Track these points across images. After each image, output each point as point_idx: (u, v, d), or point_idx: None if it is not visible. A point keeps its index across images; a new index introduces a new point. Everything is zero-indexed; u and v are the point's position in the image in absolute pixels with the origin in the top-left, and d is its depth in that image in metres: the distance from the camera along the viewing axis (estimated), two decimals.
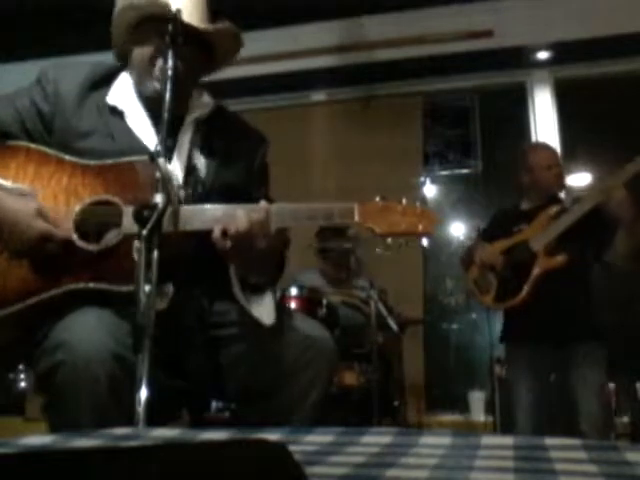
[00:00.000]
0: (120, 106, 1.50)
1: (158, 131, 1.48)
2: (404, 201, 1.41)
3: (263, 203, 1.36)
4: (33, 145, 1.45)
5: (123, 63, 1.59)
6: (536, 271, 2.51)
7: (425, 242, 1.37)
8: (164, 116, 1.28)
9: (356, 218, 1.37)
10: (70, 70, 1.53)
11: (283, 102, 4.58)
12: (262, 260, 1.36)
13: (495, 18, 3.88)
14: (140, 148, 1.43)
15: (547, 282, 2.50)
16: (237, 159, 1.59)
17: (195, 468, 0.47)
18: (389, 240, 1.40)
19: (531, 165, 2.72)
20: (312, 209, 1.37)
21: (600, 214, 2.44)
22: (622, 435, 3.09)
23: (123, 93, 1.53)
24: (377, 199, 1.40)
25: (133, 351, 1.13)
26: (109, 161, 1.41)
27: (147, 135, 1.48)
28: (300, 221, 1.37)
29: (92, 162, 1.42)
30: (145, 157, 1.36)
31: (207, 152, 1.54)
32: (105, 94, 1.51)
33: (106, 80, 1.54)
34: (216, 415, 2.80)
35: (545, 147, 2.95)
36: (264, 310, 1.41)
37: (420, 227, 1.38)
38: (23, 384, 3.97)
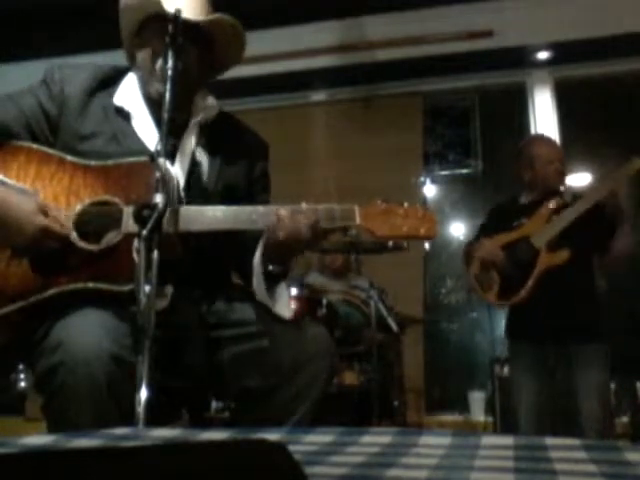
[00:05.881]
0: (127, 107, 1.50)
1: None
2: (406, 204, 1.39)
3: (305, 205, 1.36)
4: (35, 145, 1.45)
5: (132, 64, 1.59)
6: (539, 268, 2.49)
7: (427, 245, 1.36)
8: (164, 116, 1.28)
9: (357, 220, 1.37)
10: (76, 71, 1.53)
11: (283, 102, 4.58)
12: (296, 253, 1.43)
13: (495, 18, 3.88)
14: (143, 150, 1.43)
15: (550, 279, 2.48)
16: (239, 163, 1.59)
17: (195, 468, 0.47)
18: (390, 243, 1.39)
19: (532, 159, 2.69)
20: (313, 211, 1.37)
21: (602, 210, 2.44)
22: (622, 435, 3.09)
23: (130, 94, 1.52)
24: (378, 201, 1.38)
25: (133, 351, 1.13)
26: (110, 162, 1.41)
27: (151, 137, 1.48)
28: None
29: (93, 163, 1.42)
30: (146, 158, 1.37)
31: (210, 155, 1.54)
32: (111, 95, 1.51)
33: (112, 81, 1.54)
34: (216, 415, 2.80)
35: (547, 140, 2.91)
36: (282, 304, 1.43)
37: (422, 231, 1.37)
38: (23, 384, 3.97)
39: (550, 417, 2.57)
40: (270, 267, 1.42)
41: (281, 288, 1.46)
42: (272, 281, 1.44)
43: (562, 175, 2.68)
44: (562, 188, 2.71)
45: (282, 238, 1.33)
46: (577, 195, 2.59)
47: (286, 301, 1.45)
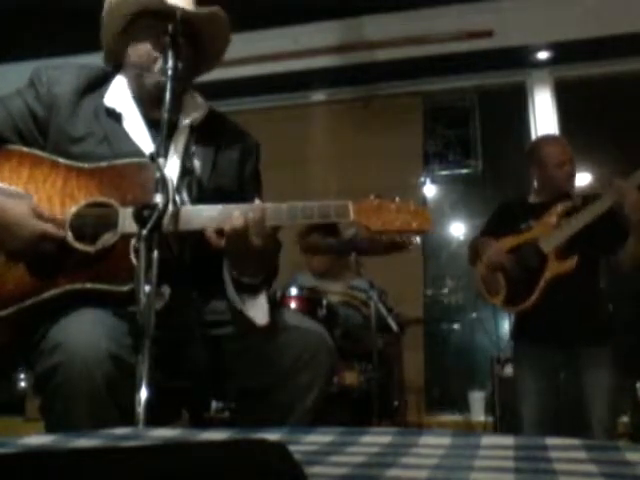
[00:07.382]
0: (118, 108, 1.49)
1: (153, 135, 1.48)
2: (397, 199, 1.41)
3: (258, 202, 1.36)
4: (26, 149, 1.44)
5: (112, 65, 1.58)
6: (547, 276, 2.48)
7: (418, 239, 1.37)
8: (163, 116, 1.28)
9: (351, 216, 1.37)
10: (64, 72, 1.52)
11: (283, 102, 4.58)
12: (257, 260, 1.36)
13: (495, 18, 3.88)
14: (136, 151, 1.43)
15: (557, 282, 2.47)
16: (230, 163, 1.59)
17: (195, 468, 0.47)
18: (384, 237, 1.39)
19: (543, 161, 2.66)
20: (308, 207, 1.37)
21: (612, 216, 2.42)
22: (622, 435, 3.09)
23: (120, 95, 1.52)
24: (371, 197, 1.40)
25: (133, 351, 1.13)
26: (104, 163, 1.41)
27: (143, 139, 1.48)
28: (296, 219, 1.36)
29: (86, 165, 1.41)
30: (140, 159, 1.37)
31: (201, 155, 1.54)
32: (101, 96, 1.51)
33: (100, 82, 1.53)
34: (216, 415, 2.80)
35: (557, 142, 2.88)
36: (258, 311, 1.40)
37: (414, 224, 1.38)
38: (23, 384, 3.96)
39: (553, 419, 2.57)
40: (248, 280, 1.39)
41: (261, 296, 1.42)
42: (253, 291, 1.41)
43: (572, 178, 2.65)
44: (572, 190, 2.69)
45: (231, 237, 1.31)
46: (587, 198, 2.55)
47: (263, 309, 1.40)
